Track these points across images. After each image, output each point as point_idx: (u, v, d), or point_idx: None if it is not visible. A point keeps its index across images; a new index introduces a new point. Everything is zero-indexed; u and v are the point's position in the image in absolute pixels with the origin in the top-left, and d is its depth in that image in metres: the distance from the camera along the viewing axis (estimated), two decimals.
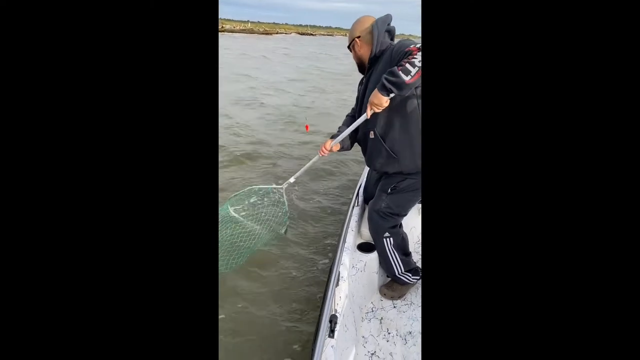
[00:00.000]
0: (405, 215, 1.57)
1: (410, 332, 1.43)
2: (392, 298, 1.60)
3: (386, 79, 1.19)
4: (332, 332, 1.06)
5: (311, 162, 1.66)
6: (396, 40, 1.42)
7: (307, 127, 4.22)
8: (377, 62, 1.40)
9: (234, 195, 1.84)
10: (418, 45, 1.17)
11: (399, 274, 1.58)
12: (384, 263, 1.59)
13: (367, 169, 2.25)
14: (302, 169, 1.71)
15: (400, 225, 1.58)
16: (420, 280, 1.64)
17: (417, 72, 1.12)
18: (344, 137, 1.52)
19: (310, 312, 1.75)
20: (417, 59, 1.13)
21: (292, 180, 1.75)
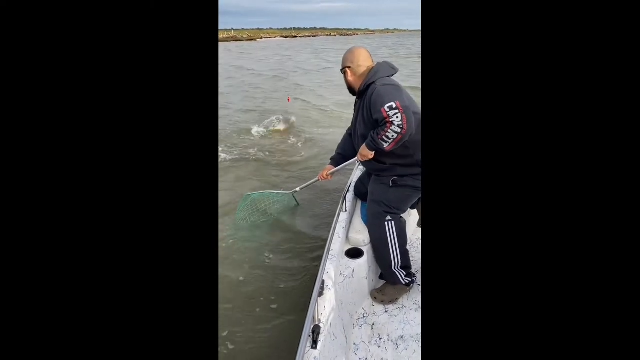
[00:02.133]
0: (404, 212, 1.62)
1: (401, 337, 1.42)
2: (382, 302, 1.59)
3: (371, 141, 1.46)
4: (315, 343, 1.05)
5: (312, 181, 2.09)
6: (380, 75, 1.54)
7: (289, 98, 4.67)
8: (364, 94, 1.54)
9: (255, 194, 2.53)
10: (390, 113, 1.34)
11: (394, 267, 1.56)
12: (381, 253, 1.58)
13: (354, 173, 2.25)
14: (305, 184, 2.16)
15: (401, 212, 1.62)
16: (412, 284, 1.63)
17: (392, 141, 1.40)
18: (340, 169, 1.88)
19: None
20: (391, 133, 1.37)
21: (297, 189, 2.27)
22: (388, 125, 1.37)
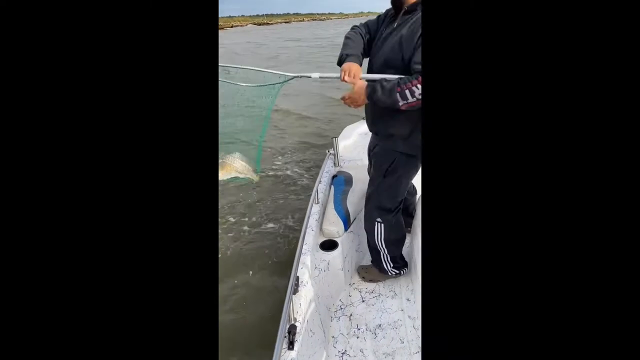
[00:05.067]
0: (399, 202, 1.50)
1: (379, 325, 1.43)
2: (363, 279, 1.65)
3: (381, 92, 1.12)
4: (291, 343, 1.03)
5: (333, 75, 1.29)
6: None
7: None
8: (407, 19, 1.18)
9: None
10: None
11: (382, 259, 1.57)
12: (370, 244, 1.58)
13: (325, 163, 2.21)
14: (326, 75, 1.31)
15: (398, 211, 1.51)
16: (399, 275, 1.64)
17: (414, 101, 1.08)
18: (370, 77, 1.24)
19: None
20: (418, 91, 1.06)
21: (313, 75, 1.33)
22: (418, 82, 1.05)
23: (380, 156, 1.43)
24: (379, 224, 1.50)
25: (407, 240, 1.74)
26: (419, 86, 1.05)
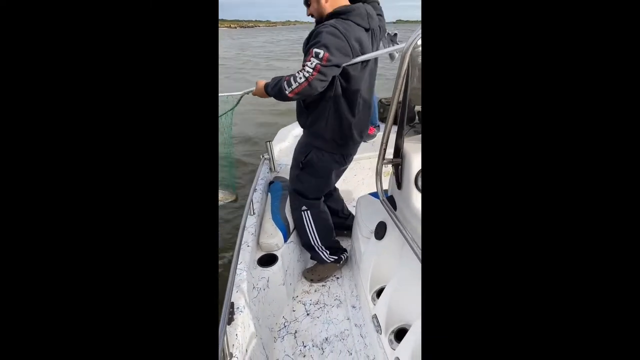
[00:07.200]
0: (320, 196, 1.53)
1: (326, 339, 1.35)
2: (312, 281, 1.60)
3: (272, 84, 1.23)
4: None
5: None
6: None
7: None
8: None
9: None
10: (315, 50, 1.12)
11: (317, 248, 1.56)
12: (302, 236, 1.58)
13: (260, 169, 2.09)
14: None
15: (319, 199, 1.54)
16: (341, 262, 1.62)
17: (297, 86, 1.16)
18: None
19: None
20: (299, 75, 1.14)
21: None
22: (309, 58, 1.15)
23: (297, 148, 1.48)
24: (305, 212, 1.52)
25: (348, 245, 1.72)
26: (300, 73, 1.15)
